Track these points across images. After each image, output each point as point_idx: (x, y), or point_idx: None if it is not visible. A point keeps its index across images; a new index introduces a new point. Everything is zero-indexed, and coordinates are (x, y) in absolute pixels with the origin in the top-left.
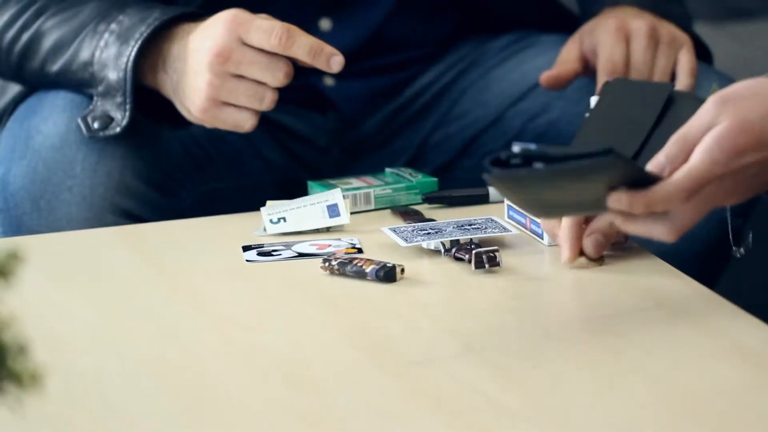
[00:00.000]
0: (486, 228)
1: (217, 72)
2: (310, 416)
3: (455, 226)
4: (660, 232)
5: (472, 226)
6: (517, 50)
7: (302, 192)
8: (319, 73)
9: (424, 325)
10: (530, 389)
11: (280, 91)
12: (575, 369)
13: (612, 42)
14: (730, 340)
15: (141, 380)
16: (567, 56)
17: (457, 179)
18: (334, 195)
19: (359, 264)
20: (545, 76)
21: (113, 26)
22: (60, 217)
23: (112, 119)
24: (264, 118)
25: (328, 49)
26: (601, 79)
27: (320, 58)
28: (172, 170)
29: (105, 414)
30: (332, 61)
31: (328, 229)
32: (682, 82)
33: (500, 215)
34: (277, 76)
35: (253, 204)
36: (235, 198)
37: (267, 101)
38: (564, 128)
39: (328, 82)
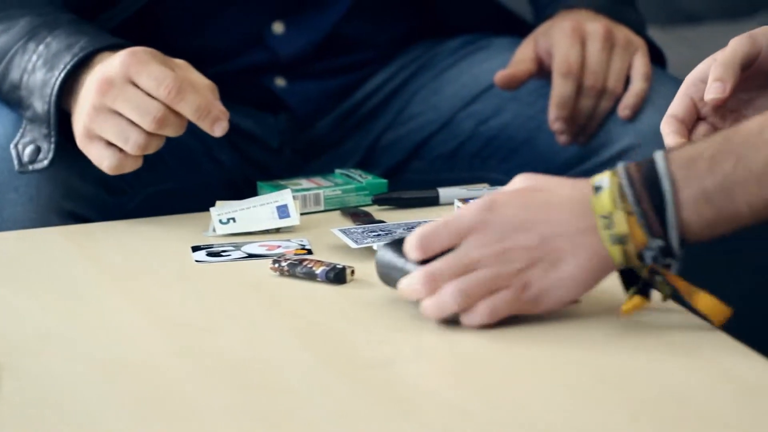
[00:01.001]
0: None
1: (95, 103)
2: (263, 418)
3: (405, 227)
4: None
5: None
6: (468, 53)
7: (252, 193)
8: (271, 74)
9: (374, 327)
10: (485, 391)
11: (233, 92)
12: (531, 370)
13: (568, 43)
14: (683, 344)
15: (91, 382)
16: (521, 57)
17: (408, 181)
18: (284, 196)
19: (309, 265)
20: (500, 76)
21: (41, 48)
22: (6, 218)
23: (39, 149)
24: None
25: (215, 112)
26: (557, 79)
27: (206, 121)
28: None
29: (55, 415)
30: (216, 126)
31: (278, 230)
32: (636, 86)
33: None
34: (147, 118)
35: (202, 205)
36: (184, 199)
37: (131, 142)
38: (515, 131)
39: (280, 83)
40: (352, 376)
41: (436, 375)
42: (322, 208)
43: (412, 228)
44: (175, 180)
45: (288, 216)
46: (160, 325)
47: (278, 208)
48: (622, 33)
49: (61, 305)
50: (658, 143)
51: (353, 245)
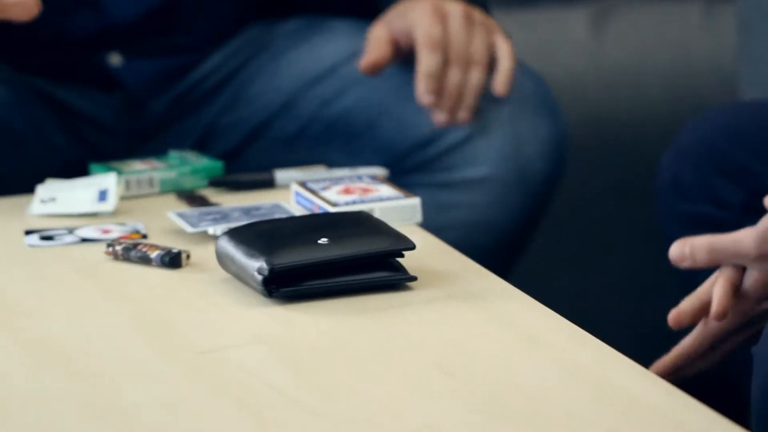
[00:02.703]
0: (273, 213)
1: None
2: (93, 408)
3: (242, 211)
4: None
5: (259, 211)
6: (308, 35)
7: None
8: (105, 50)
9: (210, 313)
10: (322, 380)
11: (65, 69)
12: (369, 357)
13: (429, 21)
14: (522, 329)
15: None
16: (377, 41)
17: (247, 164)
18: (108, 179)
19: (144, 249)
20: (364, 63)
21: None
22: None
23: None
24: (49, 97)
25: None
26: (422, 52)
27: None
28: None
29: None
30: None
31: (95, 214)
32: (504, 65)
33: (286, 200)
34: None
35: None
36: (16, 183)
37: None
38: (358, 115)
39: (115, 60)
40: (186, 364)
41: (270, 361)
42: (156, 191)
43: (249, 212)
44: (5, 164)
45: (105, 200)
46: None
47: (100, 192)
48: (479, 14)
49: None
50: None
51: (189, 229)
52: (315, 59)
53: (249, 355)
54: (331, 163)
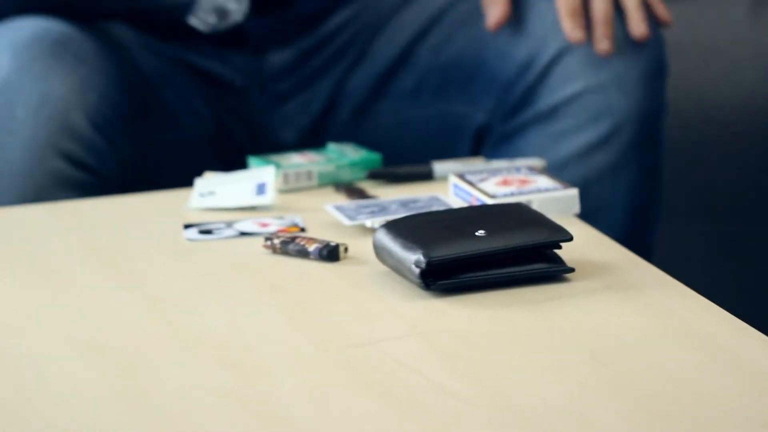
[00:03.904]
0: (431, 205)
1: None
2: (249, 400)
3: (399, 203)
4: None
5: (417, 204)
6: None
7: (235, 149)
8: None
9: (367, 306)
10: (474, 372)
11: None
12: (521, 353)
13: None
14: (678, 321)
15: (76, 363)
16: None
17: (377, 124)
18: (266, 173)
19: (302, 243)
20: (491, 23)
21: None
22: (1, 159)
23: (225, 12)
24: (191, 66)
25: None
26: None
27: None
28: (113, 116)
29: (40, 397)
30: None
31: (253, 208)
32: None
33: (444, 192)
34: None
35: (192, 166)
36: (173, 154)
37: None
38: (467, 57)
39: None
40: (343, 357)
41: (425, 354)
42: (315, 184)
43: (407, 204)
44: (163, 130)
45: (263, 194)
46: (146, 306)
47: (258, 185)
48: None
49: (46, 285)
50: None
51: (347, 222)
52: (422, 9)
53: (405, 348)
54: (453, 113)
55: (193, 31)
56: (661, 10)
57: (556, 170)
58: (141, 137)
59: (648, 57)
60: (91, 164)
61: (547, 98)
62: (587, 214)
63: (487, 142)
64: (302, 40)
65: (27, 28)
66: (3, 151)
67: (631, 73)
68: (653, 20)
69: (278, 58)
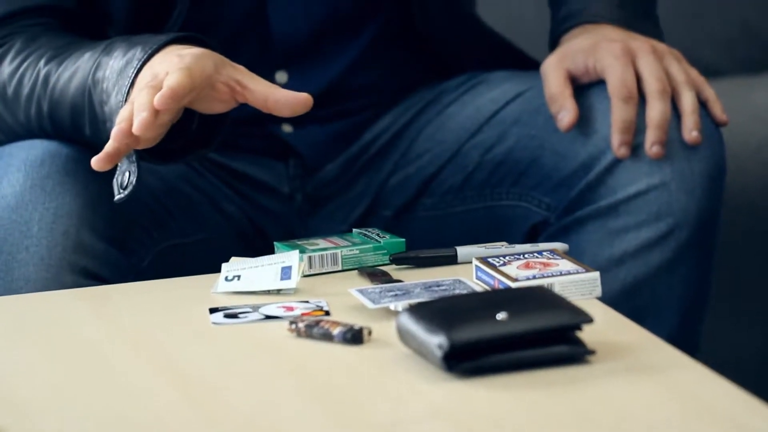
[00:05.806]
0: (454, 289)
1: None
2: None
3: (423, 287)
4: None
5: (440, 287)
6: (469, 87)
7: (264, 243)
8: (277, 121)
9: (390, 388)
10: None
11: (240, 140)
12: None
13: (621, 68)
14: (701, 403)
15: None
16: (557, 86)
17: (419, 219)
18: (291, 257)
19: (326, 326)
20: (567, 128)
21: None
22: (17, 277)
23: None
24: (224, 167)
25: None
26: (617, 104)
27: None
28: (130, 227)
29: None
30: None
31: (278, 292)
32: (708, 93)
33: (468, 276)
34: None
35: (215, 259)
36: (195, 254)
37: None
38: (520, 154)
39: (287, 129)
40: None
41: None
42: (339, 268)
43: (430, 287)
44: (184, 235)
45: (288, 278)
46: (173, 386)
47: (283, 269)
48: (661, 45)
49: (74, 366)
50: None
51: (371, 305)
52: (476, 109)
53: (428, 430)
54: (500, 206)
55: (238, 141)
56: (719, 112)
57: (611, 266)
58: (162, 240)
59: (709, 156)
60: (106, 276)
61: (609, 197)
62: (639, 311)
63: (542, 236)
64: (348, 148)
65: (39, 146)
66: (19, 268)
67: (693, 172)
68: (713, 120)
69: (325, 167)
